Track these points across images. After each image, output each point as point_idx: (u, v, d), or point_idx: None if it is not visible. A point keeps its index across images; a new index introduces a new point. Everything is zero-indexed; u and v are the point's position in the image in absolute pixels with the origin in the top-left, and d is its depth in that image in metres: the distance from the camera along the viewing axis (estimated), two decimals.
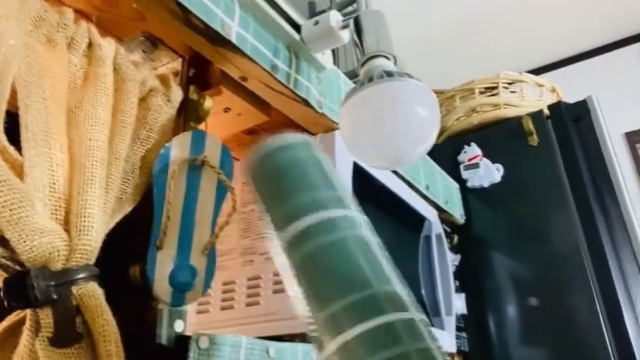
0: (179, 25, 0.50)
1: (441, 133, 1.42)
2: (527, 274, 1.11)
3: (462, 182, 1.23)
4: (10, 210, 0.35)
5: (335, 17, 0.59)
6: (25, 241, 0.36)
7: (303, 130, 0.71)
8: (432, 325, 0.88)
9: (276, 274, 0.67)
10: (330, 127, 0.70)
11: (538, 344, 1.05)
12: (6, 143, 0.38)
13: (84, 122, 0.44)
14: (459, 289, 1.07)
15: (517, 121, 1.22)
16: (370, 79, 0.49)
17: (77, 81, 0.47)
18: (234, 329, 0.68)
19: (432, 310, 0.92)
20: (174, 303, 0.47)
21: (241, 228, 0.73)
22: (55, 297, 0.37)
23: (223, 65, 0.57)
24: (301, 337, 0.61)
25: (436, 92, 1.72)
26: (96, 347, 0.37)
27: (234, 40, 0.53)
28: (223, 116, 0.68)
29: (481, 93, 1.32)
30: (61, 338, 0.36)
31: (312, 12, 0.96)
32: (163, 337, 0.47)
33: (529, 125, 1.17)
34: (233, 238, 0.73)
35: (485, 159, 1.22)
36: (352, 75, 0.85)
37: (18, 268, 0.38)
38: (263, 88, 0.61)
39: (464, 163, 1.25)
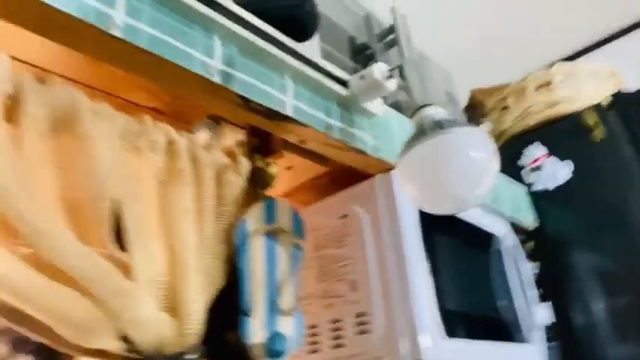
0: (241, 110, 0.55)
1: (498, 137, 1.39)
2: (611, 270, 1.07)
3: (526, 187, 1.21)
4: (128, 311, 0.41)
5: (379, 70, 0.62)
6: (141, 335, 0.42)
7: (361, 173, 0.75)
8: (519, 341, 0.88)
9: (358, 316, 0.70)
10: (387, 168, 0.73)
11: (633, 341, 1.01)
12: (114, 250, 0.44)
13: (174, 217, 0.49)
14: (543, 297, 1.05)
15: (576, 117, 1.18)
16: (422, 132, 0.52)
17: (162, 176, 0.53)
18: None
19: (516, 326, 0.91)
20: None
21: (317, 272, 0.77)
22: None
23: (283, 134, 0.62)
24: None
25: (488, 90, 1.68)
26: None
27: (290, 113, 0.57)
28: (286, 173, 0.73)
29: (535, 90, 1.29)
30: None
31: (353, 47, 0.99)
32: None
33: (589, 120, 1.13)
34: (311, 283, 0.77)
35: (549, 159, 1.19)
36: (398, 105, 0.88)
37: (137, 357, 0.44)
38: (320, 146, 0.65)
39: (526, 166, 1.22)
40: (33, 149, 0.42)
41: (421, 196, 0.52)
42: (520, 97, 1.34)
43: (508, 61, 1.85)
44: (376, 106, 0.69)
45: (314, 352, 0.73)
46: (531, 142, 1.23)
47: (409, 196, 0.53)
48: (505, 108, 1.39)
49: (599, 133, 1.13)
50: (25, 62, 0.50)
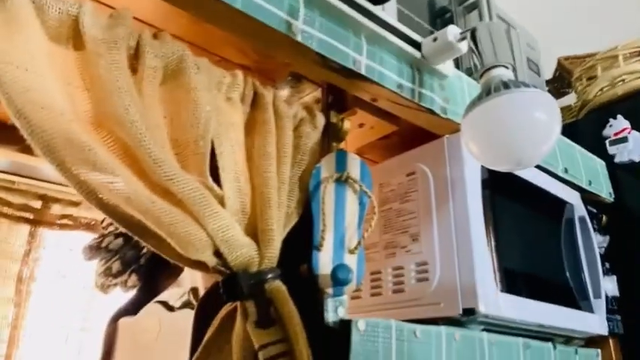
0: (318, 67, 0.61)
1: (581, 108, 1.34)
2: None
3: (608, 159, 1.17)
4: (222, 232, 0.50)
5: (452, 32, 0.65)
6: (232, 253, 0.51)
7: (430, 133, 0.78)
8: (580, 309, 0.89)
9: (418, 265, 0.75)
10: (456, 129, 0.75)
11: None
12: (212, 183, 0.53)
13: (258, 159, 0.57)
14: (609, 272, 1.04)
15: None
16: (488, 92, 0.55)
17: (250, 125, 0.61)
18: (383, 313, 0.78)
19: (579, 294, 0.92)
20: (336, 294, 0.59)
21: (382, 224, 0.83)
22: (255, 292, 0.51)
23: (356, 91, 0.67)
24: (444, 321, 0.69)
25: (576, 58, 1.60)
26: (286, 328, 0.50)
27: (363, 72, 0.62)
28: (358, 130, 0.78)
29: (625, 59, 1.22)
30: (263, 322, 0.50)
31: (432, 10, 1.00)
32: (330, 320, 0.59)
33: None
34: (375, 233, 0.84)
35: (634, 131, 1.13)
36: (471, 72, 0.89)
37: (228, 272, 0.53)
38: (391, 105, 0.70)
39: (610, 137, 1.18)
40: (150, 95, 0.51)
41: (481, 152, 0.56)
42: (610, 66, 1.27)
43: (598, 32, 1.74)
44: (447, 67, 0.72)
45: (376, 294, 0.80)
46: (617, 113, 1.17)
47: (470, 151, 0.57)
48: (593, 77, 1.33)
49: None
50: (141, 21, 0.59)
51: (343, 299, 0.61)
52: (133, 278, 0.82)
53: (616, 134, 1.16)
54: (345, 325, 0.57)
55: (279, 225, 0.56)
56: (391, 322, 0.60)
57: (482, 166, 0.77)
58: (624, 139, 1.14)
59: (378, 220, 0.84)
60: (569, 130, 1.08)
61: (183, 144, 0.53)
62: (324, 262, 0.59)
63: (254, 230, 0.55)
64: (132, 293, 0.84)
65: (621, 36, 1.29)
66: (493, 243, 0.74)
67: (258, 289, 0.51)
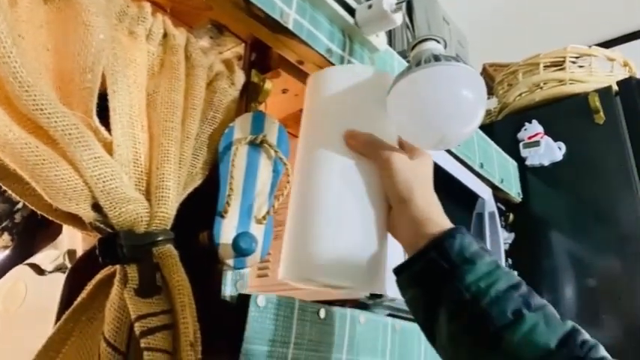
0: (242, 14, 0.55)
1: (501, 110, 1.39)
2: (585, 255, 1.09)
3: (521, 160, 1.22)
4: (104, 182, 0.42)
5: (388, 1, 0.61)
6: (115, 208, 0.43)
7: None
8: None
9: None
10: None
11: (596, 327, 1.04)
12: (98, 124, 0.45)
13: (161, 105, 0.50)
14: (511, 268, 1.08)
15: (583, 97, 1.17)
16: (418, 63, 0.51)
17: (155, 68, 0.53)
18: (289, 292, 0.74)
19: None
20: (237, 265, 0.53)
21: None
22: (139, 256, 0.44)
23: (281, 50, 0.61)
24: (351, 303, 0.66)
25: (500, 66, 1.67)
26: (172, 298, 0.44)
27: (291, 27, 0.56)
28: (281, 97, 0.73)
29: (546, 67, 1.28)
30: (144, 290, 0.43)
31: None
32: (227, 295, 0.53)
33: (595, 102, 1.13)
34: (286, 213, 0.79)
35: (546, 137, 1.19)
36: (405, 56, 0.87)
37: (109, 230, 0.45)
38: (318, 70, 0.65)
39: (524, 140, 1.23)
40: (27, 7, 0.42)
41: (405, 126, 0.53)
42: (530, 73, 1.32)
43: (526, 39, 1.82)
44: (380, 41, 0.68)
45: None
46: (533, 118, 1.23)
47: (395, 125, 0.54)
48: (513, 83, 1.38)
49: (601, 117, 1.12)
50: None
51: (244, 273, 0.55)
52: (5, 237, 0.71)
53: (530, 138, 1.21)
54: (242, 300, 0.51)
55: (177, 183, 0.49)
56: (294, 301, 0.55)
57: None
58: (537, 143, 1.19)
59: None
60: (487, 130, 1.10)
61: (68, 77, 0.44)
62: (228, 230, 0.54)
63: (147, 186, 0.47)
64: (1, 255, 0.72)
65: (545, 48, 1.35)
66: None
67: (144, 252, 0.45)
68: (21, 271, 0.64)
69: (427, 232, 0.47)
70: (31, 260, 0.66)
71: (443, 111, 0.50)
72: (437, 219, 0.49)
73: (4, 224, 0.69)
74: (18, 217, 0.69)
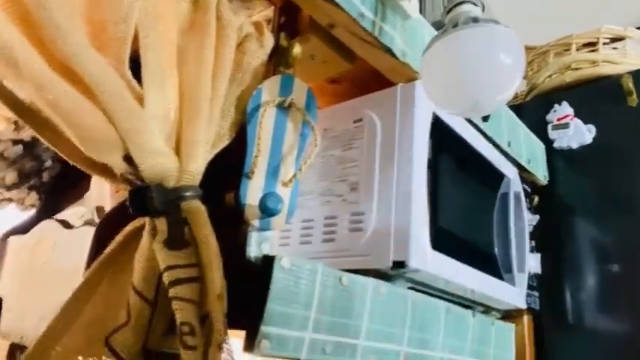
0: None
1: (530, 91, 1.36)
2: (609, 241, 1.07)
3: (548, 143, 1.19)
4: (136, 134, 0.42)
5: None
6: (145, 161, 0.43)
7: (385, 78, 0.73)
8: (503, 280, 0.89)
9: (352, 215, 0.71)
10: (412, 77, 0.71)
11: (615, 313, 1.02)
12: (131, 78, 0.45)
13: (192, 62, 0.50)
14: (534, 249, 1.06)
15: (616, 79, 1.13)
16: (455, 25, 0.50)
17: (185, 26, 0.52)
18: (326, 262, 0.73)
19: (503, 266, 0.93)
20: (262, 227, 0.53)
21: (320, 172, 0.78)
22: (168, 209, 0.44)
23: (312, 11, 0.60)
24: (373, 274, 0.66)
25: (528, 48, 1.62)
26: (199, 252, 0.44)
27: None
28: (309, 63, 0.71)
29: (578, 49, 1.24)
30: (173, 242, 0.43)
31: None
32: (252, 256, 0.53)
33: (629, 84, 1.09)
34: (313, 180, 0.79)
35: (576, 119, 1.16)
36: (439, 26, 0.84)
37: (139, 183, 0.45)
38: (349, 35, 0.64)
39: (552, 122, 1.19)
40: None
41: (437, 89, 0.51)
42: (562, 54, 1.28)
43: (559, 21, 1.77)
44: (413, 7, 0.67)
45: (305, 243, 0.75)
46: (563, 99, 1.19)
47: (425, 89, 0.53)
48: (543, 65, 1.34)
49: (634, 100, 1.09)
50: None
51: (269, 235, 0.55)
52: (33, 196, 0.72)
53: (559, 119, 1.18)
54: (267, 262, 0.51)
55: (206, 141, 0.49)
56: (318, 265, 0.55)
57: (432, 122, 0.73)
58: (566, 125, 1.16)
59: (318, 167, 0.79)
60: (515, 111, 1.08)
61: (101, 27, 0.44)
62: (254, 191, 0.53)
63: (177, 142, 0.47)
64: (29, 214, 0.74)
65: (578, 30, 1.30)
66: (431, 201, 0.71)
67: (173, 206, 0.45)
68: (48, 225, 0.65)
69: None
70: (58, 216, 0.66)
71: (478, 75, 0.49)
72: None
73: (31, 182, 0.70)
74: (46, 177, 0.70)
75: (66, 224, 0.63)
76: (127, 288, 0.43)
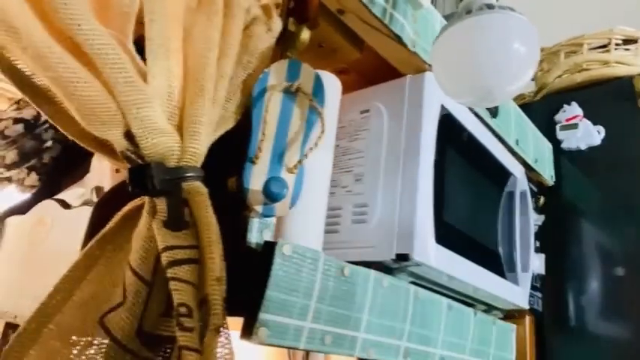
0: None
1: (539, 90, 1.34)
2: (614, 244, 1.05)
3: (556, 143, 1.17)
4: (137, 108, 0.41)
5: None
6: (147, 138, 0.42)
7: (394, 69, 0.72)
8: (506, 279, 0.88)
9: (356, 206, 0.70)
10: (421, 68, 0.70)
11: (618, 317, 1.01)
12: (135, 54, 0.44)
13: (197, 41, 0.48)
14: (538, 250, 1.05)
15: (627, 80, 1.12)
16: (469, 11, 0.49)
17: (192, 3, 0.51)
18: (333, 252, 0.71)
19: (507, 265, 0.91)
20: (265, 213, 0.52)
21: None
22: (168, 189, 0.43)
23: None
24: (376, 266, 0.64)
25: (544, 49, 1.60)
26: (199, 234, 0.42)
27: None
28: (317, 52, 0.70)
29: (590, 49, 1.22)
30: (172, 223, 0.42)
31: None
32: (253, 241, 0.52)
33: None
34: None
35: (585, 120, 1.14)
36: (449, 18, 0.83)
37: (139, 161, 0.44)
38: (358, 22, 0.62)
39: (561, 122, 1.18)
40: None
41: (449, 78, 0.50)
42: (573, 54, 1.27)
43: (570, 21, 1.75)
44: None
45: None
46: (572, 100, 1.18)
47: (436, 77, 0.51)
48: (553, 64, 1.32)
49: None
50: None
51: (271, 222, 0.54)
52: (33, 177, 0.71)
53: (568, 120, 1.16)
54: (268, 248, 0.50)
55: (210, 121, 0.48)
56: (320, 254, 0.54)
57: (441, 114, 0.72)
58: (575, 126, 1.14)
59: None
60: (524, 110, 1.06)
61: (105, 1, 0.43)
62: (258, 176, 0.52)
63: (179, 121, 0.46)
64: (27, 195, 0.73)
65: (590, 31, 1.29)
66: (436, 194, 0.70)
67: (174, 186, 0.43)
68: (47, 205, 0.64)
69: None
70: (57, 196, 0.65)
71: (491, 63, 0.47)
72: None
73: (31, 162, 0.69)
74: (46, 158, 0.69)
75: (64, 204, 0.62)
76: (123, 267, 0.42)
